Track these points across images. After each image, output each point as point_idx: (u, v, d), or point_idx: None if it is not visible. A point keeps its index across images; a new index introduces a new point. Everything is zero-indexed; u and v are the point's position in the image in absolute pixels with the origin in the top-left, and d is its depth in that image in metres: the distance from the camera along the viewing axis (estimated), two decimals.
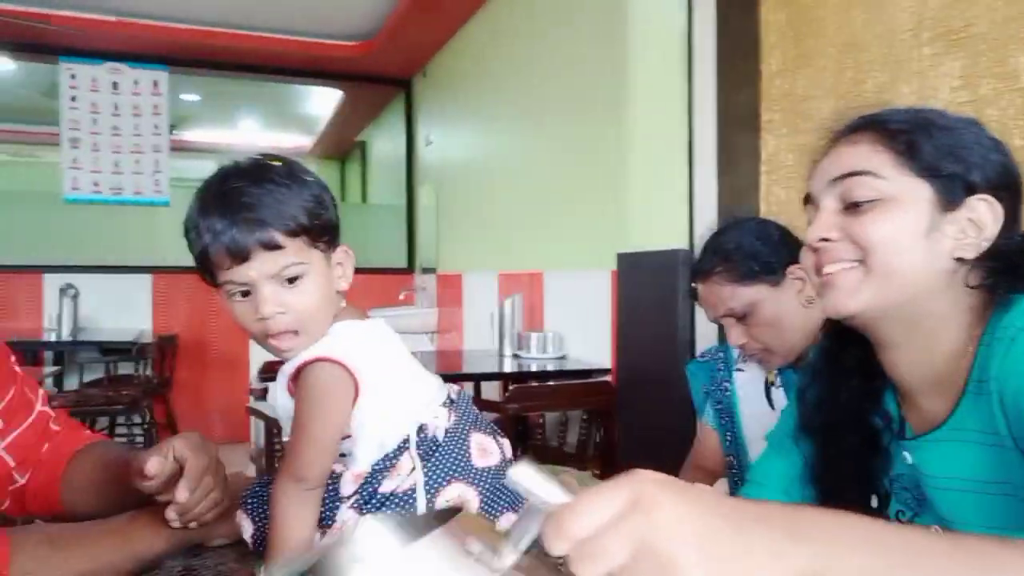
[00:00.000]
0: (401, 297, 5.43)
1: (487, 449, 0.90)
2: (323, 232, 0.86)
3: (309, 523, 0.82)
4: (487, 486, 0.88)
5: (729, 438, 1.57)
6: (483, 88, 4.38)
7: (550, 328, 3.42)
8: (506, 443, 0.95)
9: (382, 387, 0.84)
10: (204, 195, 0.85)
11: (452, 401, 0.92)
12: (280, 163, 0.88)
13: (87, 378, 4.81)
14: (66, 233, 5.12)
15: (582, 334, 3.21)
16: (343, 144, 8.35)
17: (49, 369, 4.54)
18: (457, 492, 0.86)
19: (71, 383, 4.77)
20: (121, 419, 4.36)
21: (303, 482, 0.81)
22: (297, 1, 4.63)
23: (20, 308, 4.85)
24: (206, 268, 0.85)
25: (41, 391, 1.18)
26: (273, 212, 0.82)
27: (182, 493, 0.89)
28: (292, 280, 0.83)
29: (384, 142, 7.15)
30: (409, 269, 5.92)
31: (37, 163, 6.68)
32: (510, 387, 2.59)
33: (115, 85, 5.07)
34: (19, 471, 1.08)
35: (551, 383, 2.86)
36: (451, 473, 0.86)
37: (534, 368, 3.14)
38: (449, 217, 5.04)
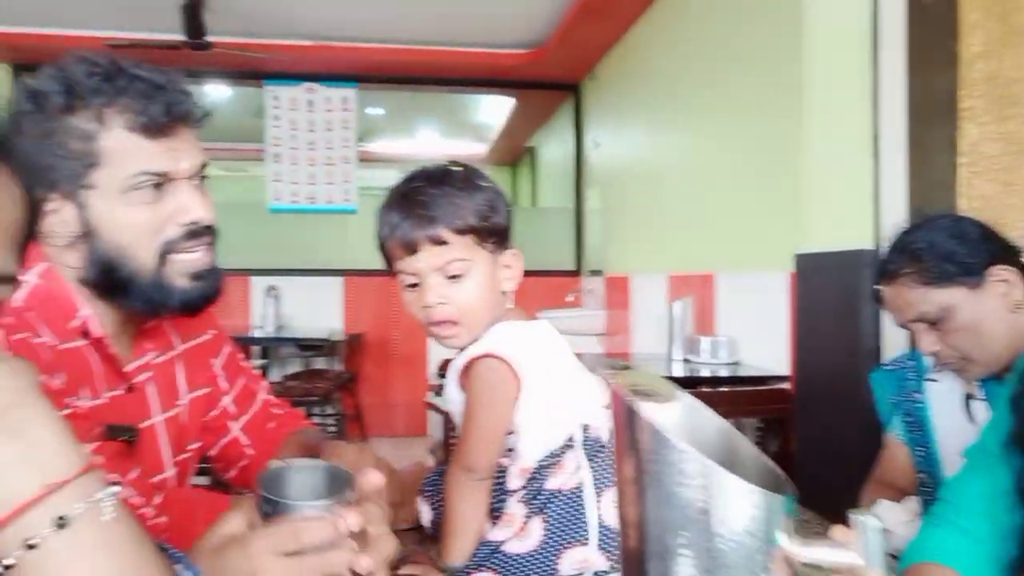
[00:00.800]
0: (569, 299, 5.49)
1: None
2: (491, 234, 0.92)
3: (480, 512, 0.87)
4: None
5: (921, 453, 1.46)
6: (652, 88, 4.33)
7: (722, 332, 3.32)
8: None
9: (544, 385, 0.88)
10: (391, 193, 0.95)
11: None
12: (461, 169, 0.95)
13: (287, 371, 5.31)
14: (270, 239, 5.68)
15: (757, 338, 3.09)
16: (514, 150, 8.59)
17: (257, 362, 5.07)
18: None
19: (274, 375, 5.28)
20: (316, 410, 4.77)
21: (472, 472, 0.87)
22: (472, 15, 4.83)
23: (232, 307, 5.44)
24: (386, 258, 0.94)
25: (264, 383, 1.35)
26: (444, 211, 0.90)
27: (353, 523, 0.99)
28: (456, 275, 0.90)
29: (553, 146, 7.27)
30: (577, 271, 5.98)
31: (246, 177, 7.46)
32: None
33: (310, 103, 5.55)
34: (251, 448, 1.24)
35: (723, 389, 2.78)
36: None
37: (705, 373, 3.07)
38: (617, 219, 5.03)
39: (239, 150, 6.55)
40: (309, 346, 5.10)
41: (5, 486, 0.46)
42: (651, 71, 4.34)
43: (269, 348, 5.33)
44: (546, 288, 5.53)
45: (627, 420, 0.52)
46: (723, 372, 3.06)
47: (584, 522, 0.86)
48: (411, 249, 0.90)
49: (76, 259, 0.97)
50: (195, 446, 1.21)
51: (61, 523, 0.47)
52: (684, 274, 3.79)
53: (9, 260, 0.47)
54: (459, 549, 0.87)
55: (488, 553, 0.86)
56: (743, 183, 3.21)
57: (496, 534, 0.87)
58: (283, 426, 1.29)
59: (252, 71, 5.41)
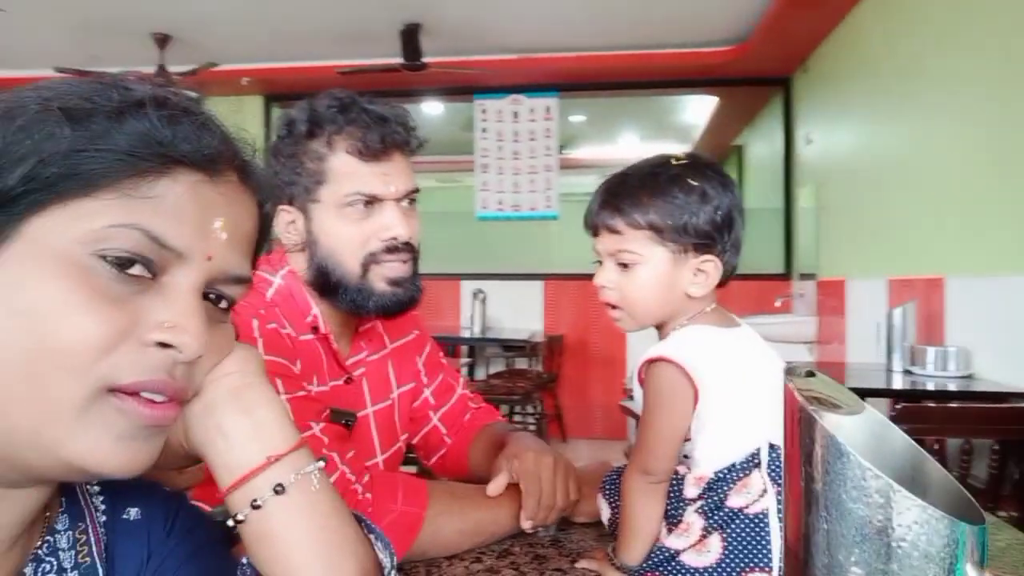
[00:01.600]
0: (777, 304, 5.22)
1: None
2: (677, 234, 0.91)
3: (655, 514, 0.88)
4: None
5: None
6: (874, 77, 4.00)
7: (952, 342, 3.00)
8: None
9: (725, 395, 0.86)
10: (609, 176, 1.00)
11: None
12: (678, 165, 0.94)
13: (492, 370, 5.56)
14: (478, 246, 5.99)
15: (995, 350, 2.75)
16: (719, 149, 8.31)
17: (464, 361, 5.36)
18: None
19: (479, 374, 5.56)
20: (517, 408, 4.95)
21: (648, 475, 0.87)
22: (671, 16, 4.77)
23: (444, 309, 5.80)
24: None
25: (461, 379, 1.46)
26: (627, 204, 0.92)
27: (525, 524, 1.05)
28: (625, 265, 0.92)
29: (761, 144, 6.94)
30: (786, 275, 5.67)
31: (459, 187, 7.91)
32: (898, 406, 2.34)
33: (515, 115, 5.78)
34: (449, 437, 1.35)
35: (952, 405, 2.50)
36: None
37: (930, 386, 2.79)
38: (831, 219, 4.70)
39: (452, 162, 6.97)
40: (512, 347, 5.31)
41: (238, 455, 0.55)
42: (873, 59, 4.01)
43: (475, 348, 5.61)
44: (753, 292, 5.31)
45: (804, 428, 0.51)
46: (952, 386, 2.76)
47: (768, 547, 0.84)
48: (593, 231, 0.96)
49: (303, 262, 1.12)
50: (403, 436, 1.33)
51: (279, 489, 0.55)
52: (907, 278, 3.46)
53: (246, 264, 0.55)
54: (634, 549, 0.88)
55: (664, 559, 0.86)
56: (980, 178, 2.87)
57: (673, 541, 0.87)
58: (477, 418, 1.38)
59: (463, 87, 5.74)
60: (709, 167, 0.94)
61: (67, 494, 0.54)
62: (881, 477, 0.48)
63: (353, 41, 5.09)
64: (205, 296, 0.53)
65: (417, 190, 1.15)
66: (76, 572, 0.53)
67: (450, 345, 5.30)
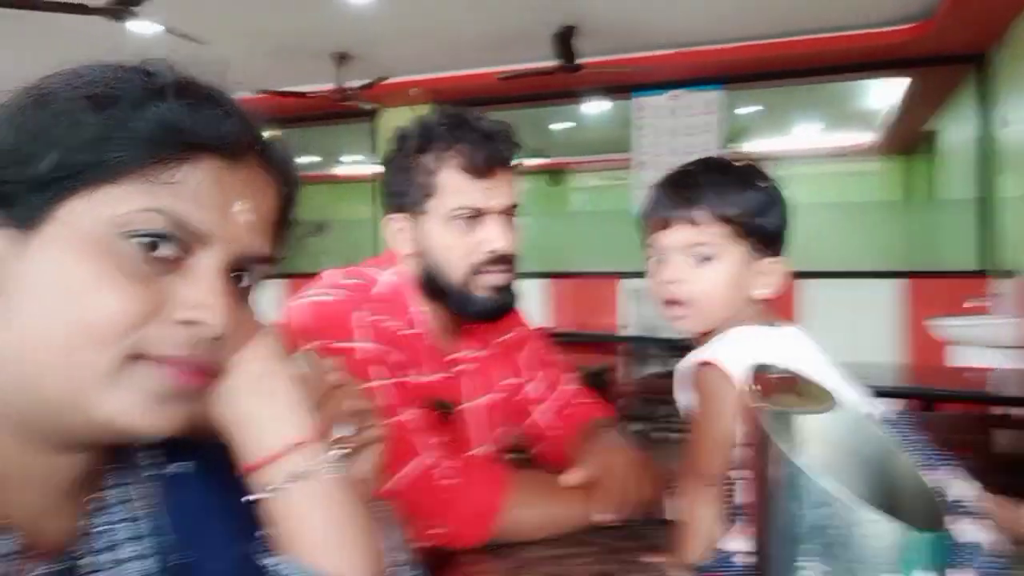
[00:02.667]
0: (969, 304, 4.71)
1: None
2: (751, 232, 0.90)
3: (709, 518, 0.87)
4: None
5: None
6: None
7: None
8: (963, 483, 0.83)
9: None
10: (666, 174, 1.00)
11: (883, 422, 0.84)
12: (745, 164, 0.95)
13: (649, 370, 5.49)
14: (637, 244, 5.92)
15: None
16: (909, 136, 7.62)
17: (621, 359, 5.35)
18: None
19: (636, 373, 5.51)
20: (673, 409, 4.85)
21: (701, 478, 0.87)
22: None
23: (600, 307, 5.81)
24: (643, 233, 1.00)
25: (568, 375, 1.50)
26: (706, 196, 0.91)
27: (599, 516, 1.07)
28: (701, 260, 0.90)
29: (956, 129, 6.28)
30: (982, 272, 5.09)
31: (617, 186, 7.88)
32: None
33: (673, 111, 5.67)
34: (550, 429, 1.40)
35: None
36: None
37: None
38: None
39: (610, 160, 6.96)
40: (668, 347, 5.21)
41: (261, 439, 0.58)
42: None
43: (634, 347, 5.57)
44: (942, 291, 4.84)
45: (761, 433, 0.51)
46: None
47: None
48: (664, 224, 0.94)
49: (413, 266, 1.21)
50: (502, 429, 1.39)
51: (295, 477, 0.58)
52: None
53: (268, 245, 0.58)
54: (692, 551, 0.88)
55: (721, 560, 0.86)
56: None
57: (732, 545, 0.86)
58: (579, 412, 1.42)
59: (621, 85, 5.71)
60: (762, 170, 0.92)
61: (116, 452, 0.60)
62: (825, 484, 0.47)
63: (511, 46, 5.25)
64: (230, 276, 0.55)
65: (516, 204, 1.21)
66: (128, 523, 0.59)
67: (606, 344, 5.31)
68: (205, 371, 0.54)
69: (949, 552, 0.47)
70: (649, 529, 1.11)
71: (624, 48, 5.28)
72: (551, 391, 1.45)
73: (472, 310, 1.19)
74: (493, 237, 1.16)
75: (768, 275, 0.92)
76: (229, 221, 0.54)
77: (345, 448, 0.63)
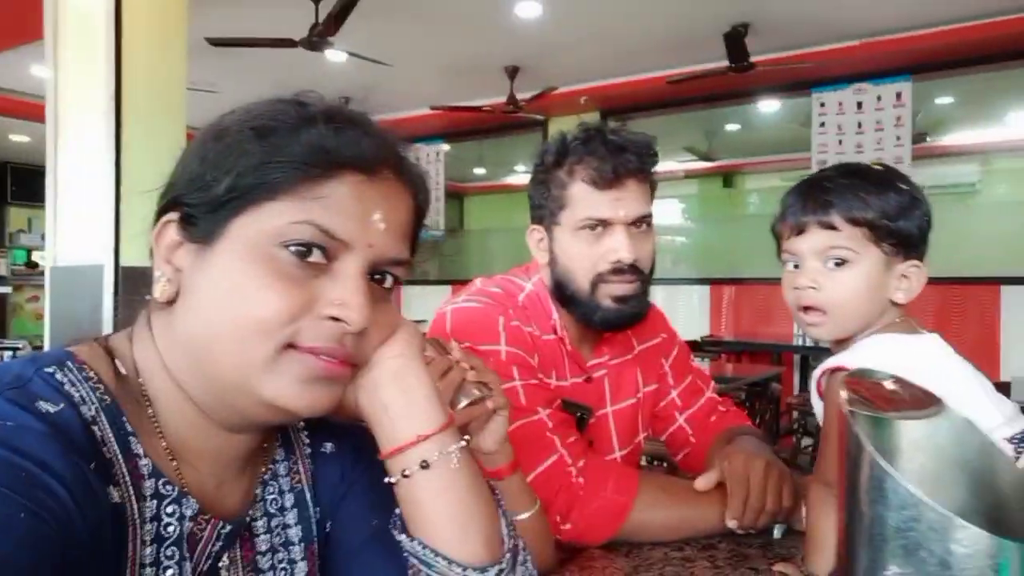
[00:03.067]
0: None
1: None
2: (891, 235, 0.89)
3: (833, 525, 0.85)
4: None
5: None
6: None
7: None
8: None
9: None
10: (802, 180, 0.99)
11: None
12: (881, 168, 0.94)
13: None
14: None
15: None
16: None
17: (792, 369, 5.09)
18: None
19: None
20: None
21: (828, 486, 0.85)
22: None
23: (775, 317, 5.56)
24: (776, 238, 1.00)
25: (712, 384, 1.50)
26: (843, 200, 0.90)
27: (730, 522, 1.07)
28: (837, 264, 0.89)
29: None
30: None
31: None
32: None
33: (859, 105, 5.31)
34: (693, 437, 1.41)
35: None
36: None
37: None
38: None
39: (788, 160, 6.64)
40: None
41: (395, 429, 0.65)
42: None
43: (808, 356, 5.28)
44: None
45: (850, 435, 0.52)
46: None
47: None
48: (799, 229, 0.93)
49: (548, 275, 1.27)
50: (644, 435, 1.41)
51: (424, 465, 0.64)
52: None
53: (404, 249, 0.64)
54: (820, 562, 0.86)
55: None
56: None
57: None
58: (722, 421, 1.41)
59: (798, 81, 5.45)
60: (905, 175, 0.89)
61: (282, 433, 0.72)
62: (908, 489, 0.47)
63: (680, 49, 5.18)
64: (372, 277, 0.61)
65: (650, 215, 1.23)
66: (291, 493, 0.70)
67: (775, 352, 5.08)
68: (348, 361, 0.61)
69: None
70: (783, 539, 1.09)
71: (800, 43, 5.04)
72: (696, 398, 1.45)
73: (597, 318, 1.21)
74: (617, 247, 1.17)
75: (907, 279, 0.89)
76: (368, 229, 0.60)
77: (466, 440, 0.69)
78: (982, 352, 4.88)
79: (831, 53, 5.03)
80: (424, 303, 6.37)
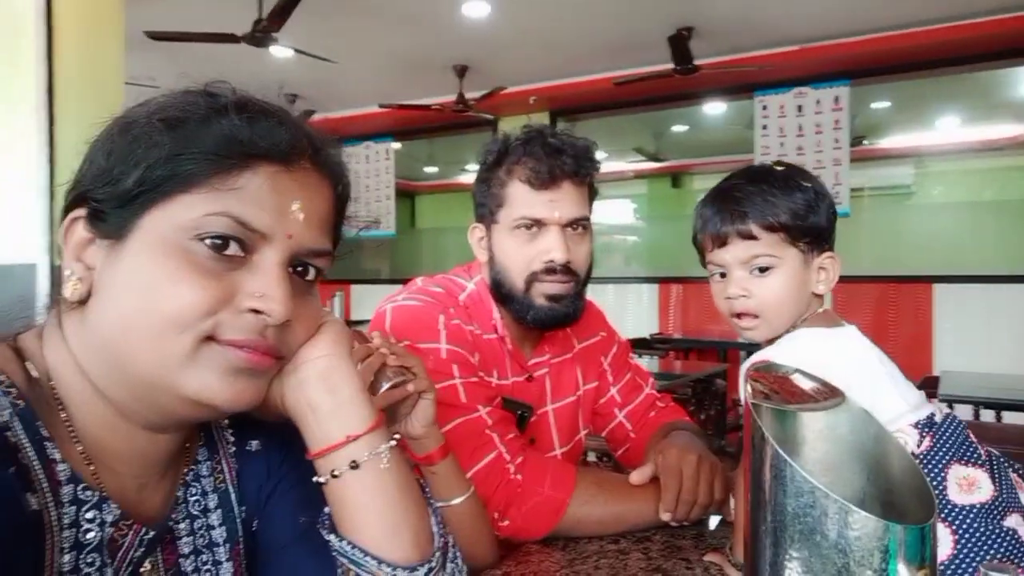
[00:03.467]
0: None
1: (974, 484, 0.79)
2: (804, 234, 0.93)
3: None
4: (966, 525, 0.77)
5: None
6: None
7: None
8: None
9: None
10: (712, 190, 1.03)
11: (931, 424, 0.83)
12: (783, 168, 0.98)
13: None
14: None
15: None
16: None
17: (740, 366, 5.19)
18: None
19: None
20: None
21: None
22: None
23: (719, 314, 5.67)
24: (699, 250, 1.03)
25: (651, 380, 1.53)
26: (755, 208, 0.94)
27: (664, 515, 1.10)
28: (762, 270, 0.92)
29: None
30: None
31: None
32: None
33: (799, 108, 5.46)
34: (633, 432, 1.44)
35: None
36: None
37: None
38: None
39: (733, 162, 6.78)
40: None
41: (323, 429, 0.65)
42: None
43: (752, 353, 5.40)
44: None
45: (753, 426, 0.54)
46: None
47: None
48: (721, 242, 0.97)
49: (488, 273, 1.29)
50: (584, 431, 1.44)
51: (354, 465, 0.64)
52: None
53: (325, 240, 0.63)
54: (742, 548, 0.90)
55: None
56: None
57: None
58: (661, 416, 1.44)
59: (742, 84, 5.57)
60: (805, 170, 0.93)
61: (204, 432, 0.71)
62: (803, 476, 0.49)
63: (626, 51, 5.25)
64: (293, 270, 0.61)
65: (586, 218, 1.25)
66: (215, 493, 0.69)
67: (722, 350, 5.19)
68: (271, 354, 0.60)
69: (932, 545, 0.48)
70: (716, 530, 1.12)
71: (743, 47, 5.15)
72: (635, 394, 1.48)
73: (530, 317, 1.23)
74: (550, 247, 1.20)
75: (824, 270, 0.94)
76: (286, 220, 0.59)
77: (396, 439, 0.69)
78: (916, 347, 5.07)
79: (772, 57, 5.16)
80: (375, 303, 6.31)
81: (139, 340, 0.56)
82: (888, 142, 7.70)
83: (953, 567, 0.76)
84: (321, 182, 0.63)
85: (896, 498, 0.54)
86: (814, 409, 0.57)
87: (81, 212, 0.59)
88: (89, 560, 0.57)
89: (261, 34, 4.33)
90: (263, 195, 0.58)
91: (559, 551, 1.06)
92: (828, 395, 0.58)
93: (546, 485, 1.13)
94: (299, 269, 0.62)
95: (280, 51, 4.78)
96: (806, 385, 0.60)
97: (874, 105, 6.54)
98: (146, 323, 0.56)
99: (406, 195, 9.79)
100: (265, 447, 0.74)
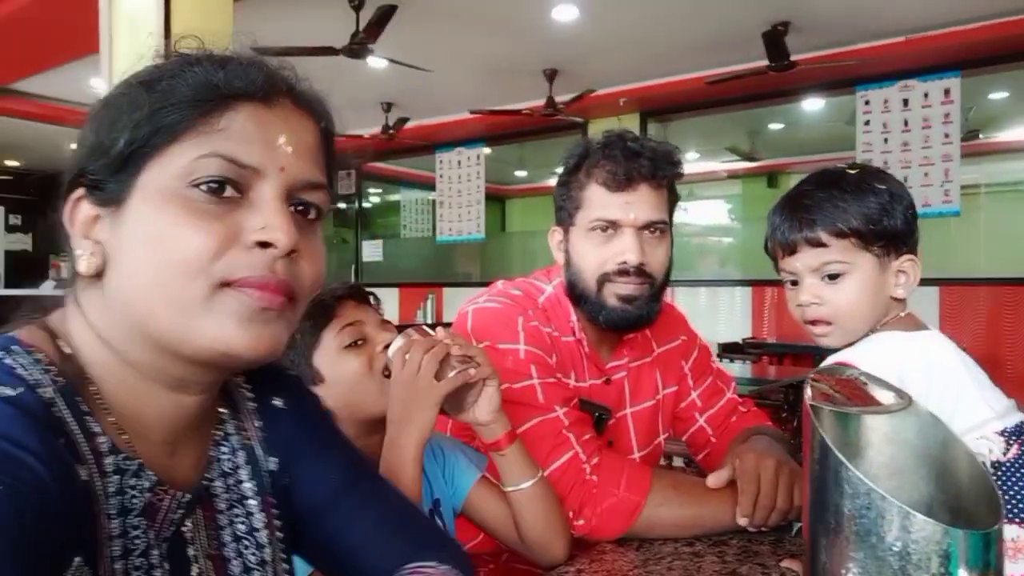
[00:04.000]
0: None
1: None
2: (878, 238, 0.91)
3: None
4: None
5: None
6: None
7: None
8: None
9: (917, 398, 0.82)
10: (783, 196, 1.02)
11: (1020, 432, 0.79)
12: (856, 172, 0.96)
13: None
14: None
15: None
16: None
17: None
18: (1012, 535, 0.75)
19: None
20: None
21: None
22: None
23: None
24: (772, 257, 1.01)
25: (733, 384, 1.51)
26: (824, 214, 0.93)
27: (741, 520, 1.08)
28: (833, 277, 0.91)
29: None
30: None
31: None
32: None
33: (905, 102, 5.20)
34: (714, 437, 1.43)
35: None
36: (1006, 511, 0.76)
37: None
38: None
39: (834, 159, 6.51)
40: None
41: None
42: None
43: None
44: None
45: (812, 429, 0.54)
46: None
47: None
48: (790, 250, 0.97)
49: (565, 276, 1.31)
50: (664, 436, 1.43)
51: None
52: None
53: (317, 172, 0.64)
54: None
55: None
56: None
57: None
58: (742, 421, 1.42)
59: (842, 79, 5.36)
60: (881, 171, 0.91)
61: (226, 392, 0.71)
62: (861, 479, 0.50)
63: (718, 50, 5.14)
64: (294, 209, 0.62)
65: (663, 221, 1.24)
66: (243, 450, 0.70)
67: (817, 354, 4.99)
68: (283, 291, 0.60)
69: (998, 551, 0.47)
70: (797, 536, 1.10)
71: (843, 40, 4.96)
72: (716, 399, 1.46)
73: (602, 318, 1.24)
74: (624, 249, 1.20)
75: (904, 273, 0.92)
76: (275, 153, 0.60)
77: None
78: None
79: (875, 50, 4.93)
80: None
81: (153, 294, 0.58)
82: (1007, 135, 7.21)
83: None
84: (303, 117, 0.64)
85: (964, 504, 0.53)
86: (878, 412, 0.56)
87: (80, 191, 0.61)
88: (134, 523, 0.59)
89: (358, 46, 4.50)
90: (248, 131, 0.59)
91: (633, 551, 1.07)
92: (895, 399, 0.58)
93: (621, 486, 1.13)
94: (300, 209, 0.63)
95: (376, 61, 4.95)
96: (872, 388, 0.59)
97: (990, 96, 6.15)
98: (156, 275, 0.57)
99: (496, 199, 9.91)
100: (288, 403, 0.76)
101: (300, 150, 0.62)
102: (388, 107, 6.75)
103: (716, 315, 5.97)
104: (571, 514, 1.12)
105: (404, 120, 6.74)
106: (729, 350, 4.93)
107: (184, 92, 0.59)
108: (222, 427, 0.71)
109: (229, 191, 0.58)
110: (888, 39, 4.90)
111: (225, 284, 0.58)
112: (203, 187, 0.57)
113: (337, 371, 1.03)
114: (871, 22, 4.71)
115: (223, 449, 0.70)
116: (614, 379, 1.34)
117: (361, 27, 4.43)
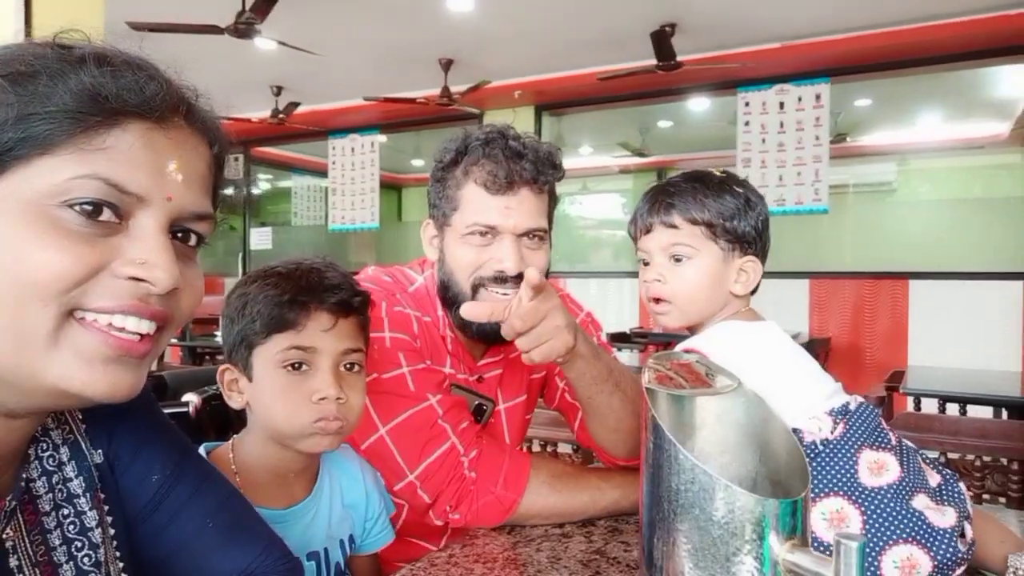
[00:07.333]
0: None
1: (883, 467, 0.83)
2: (726, 233, 0.98)
3: None
4: (874, 505, 0.81)
5: None
6: None
7: None
8: (926, 469, 0.85)
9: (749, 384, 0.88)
10: (654, 185, 1.08)
11: (845, 412, 0.87)
12: (723, 175, 1.03)
13: None
14: None
15: None
16: None
17: None
18: (836, 506, 0.83)
19: None
20: None
21: None
22: None
23: None
24: (633, 239, 1.07)
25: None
26: (683, 202, 1.00)
27: (505, 330, 1.02)
28: (679, 260, 0.97)
29: None
30: None
31: None
32: None
33: (781, 105, 5.51)
34: (572, 397, 1.36)
35: None
36: (829, 486, 0.83)
37: None
38: None
39: (718, 158, 6.82)
40: None
41: None
42: None
43: None
44: None
45: (648, 412, 0.58)
46: None
47: None
48: (646, 229, 1.03)
49: (436, 273, 1.25)
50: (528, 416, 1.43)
51: None
52: None
53: (205, 202, 0.59)
54: None
55: None
56: None
57: None
58: None
59: (724, 81, 5.62)
60: (746, 181, 1.00)
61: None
62: (686, 456, 0.53)
63: (610, 47, 5.28)
64: (174, 236, 0.56)
65: (543, 229, 1.17)
66: (66, 446, 0.64)
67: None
68: (156, 317, 0.55)
69: (804, 516, 0.52)
70: None
71: (726, 44, 5.20)
72: None
73: (475, 329, 1.17)
74: (503, 257, 1.13)
75: (744, 272, 0.99)
76: (164, 181, 0.54)
77: None
78: (892, 342, 5.15)
79: (755, 54, 5.20)
80: None
81: None
82: (870, 139, 7.76)
83: None
84: (197, 141, 0.59)
85: (783, 476, 0.58)
86: (709, 394, 0.61)
87: None
88: None
89: (244, 25, 4.34)
90: (136, 154, 0.53)
91: (505, 535, 1.10)
92: (726, 381, 0.62)
93: (499, 483, 1.12)
94: (180, 235, 0.58)
95: (264, 43, 4.78)
96: (707, 372, 0.64)
97: (856, 103, 6.60)
98: (5, 296, 0.50)
99: (393, 188, 9.80)
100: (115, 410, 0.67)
101: (190, 178, 0.57)
102: (278, 91, 6.54)
103: (606, 306, 6.15)
104: (448, 507, 1.11)
105: (295, 105, 6.55)
106: (617, 339, 5.09)
107: (64, 100, 0.51)
108: (40, 424, 0.64)
109: (107, 215, 0.52)
110: (766, 44, 5.18)
111: (74, 312, 0.52)
112: (77, 208, 0.51)
113: (266, 382, 0.94)
114: (751, 27, 4.97)
115: (43, 446, 0.63)
116: (487, 377, 1.30)
117: (248, 5, 4.27)
